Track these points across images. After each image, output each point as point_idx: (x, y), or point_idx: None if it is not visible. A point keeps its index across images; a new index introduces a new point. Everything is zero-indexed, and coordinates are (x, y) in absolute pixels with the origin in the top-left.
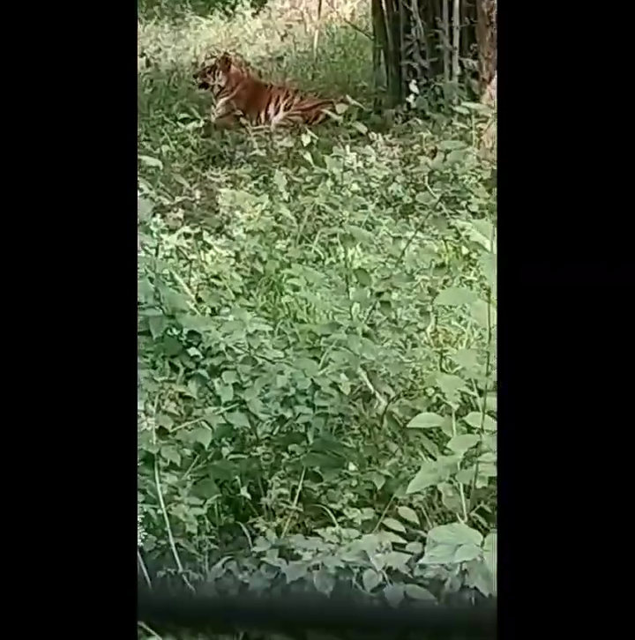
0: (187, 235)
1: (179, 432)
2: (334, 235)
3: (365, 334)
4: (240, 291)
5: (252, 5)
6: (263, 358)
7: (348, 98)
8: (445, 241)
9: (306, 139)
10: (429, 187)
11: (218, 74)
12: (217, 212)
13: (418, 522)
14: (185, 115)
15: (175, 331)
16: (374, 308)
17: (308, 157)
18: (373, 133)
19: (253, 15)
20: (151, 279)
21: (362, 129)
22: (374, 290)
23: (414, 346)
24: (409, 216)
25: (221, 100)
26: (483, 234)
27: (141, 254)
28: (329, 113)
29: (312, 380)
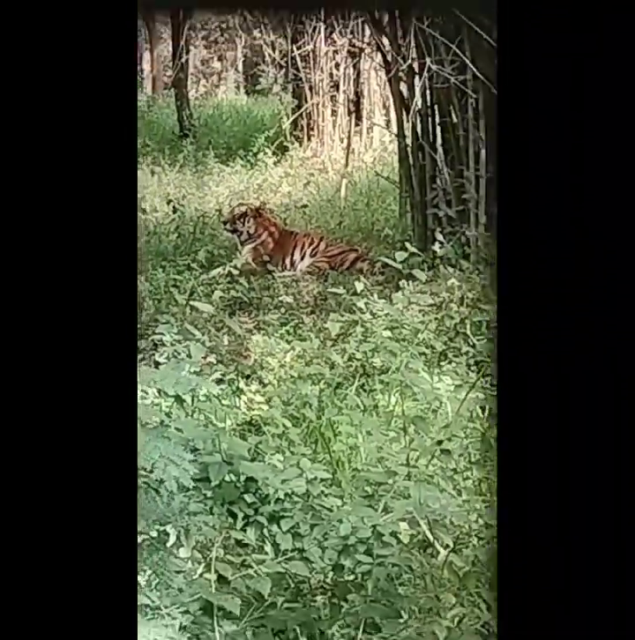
0: (219, 381)
1: (236, 580)
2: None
3: None
4: (294, 438)
5: (274, 153)
6: (321, 506)
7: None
8: None
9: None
10: None
11: (248, 221)
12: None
13: None
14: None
15: (233, 478)
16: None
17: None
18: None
19: (275, 163)
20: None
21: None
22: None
23: None
24: None
25: (248, 247)
26: None
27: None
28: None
29: (374, 528)
